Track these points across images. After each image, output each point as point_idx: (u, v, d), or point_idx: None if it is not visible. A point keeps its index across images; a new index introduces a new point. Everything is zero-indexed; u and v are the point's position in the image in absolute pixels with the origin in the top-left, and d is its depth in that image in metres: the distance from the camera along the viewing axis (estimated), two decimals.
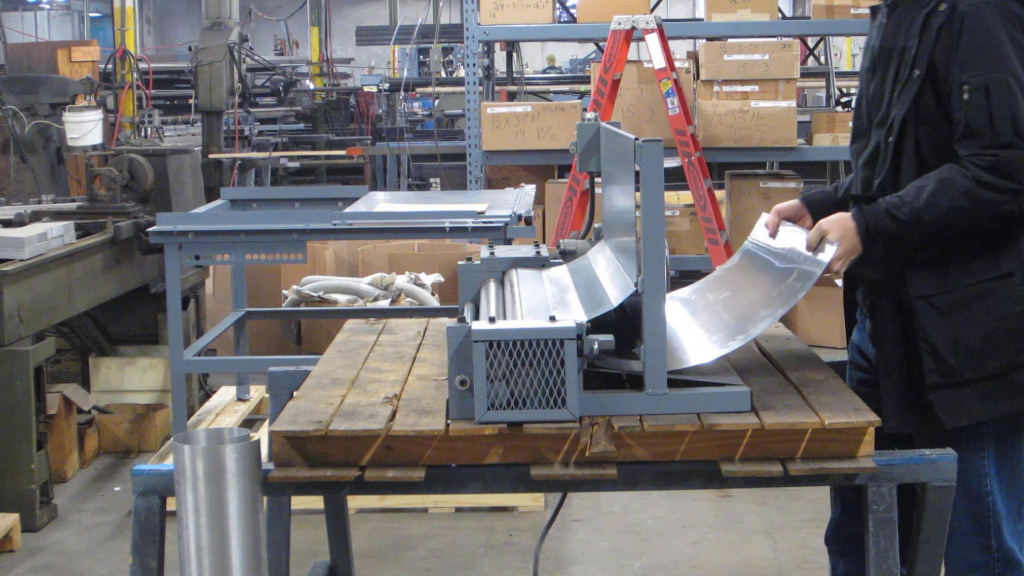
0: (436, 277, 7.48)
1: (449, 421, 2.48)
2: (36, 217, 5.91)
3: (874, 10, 3.05)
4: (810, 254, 2.77)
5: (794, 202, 3.05)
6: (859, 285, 3.07)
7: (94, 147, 7.52)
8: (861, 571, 3.11)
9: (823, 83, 12.20)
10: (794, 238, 2.88)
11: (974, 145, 2.74)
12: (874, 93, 2.95)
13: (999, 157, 2.71)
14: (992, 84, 2.72)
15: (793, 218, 3.01)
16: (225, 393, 6.56)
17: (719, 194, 8.20)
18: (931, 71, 2.80)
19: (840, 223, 2.79)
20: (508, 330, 2.41)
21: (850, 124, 3.09)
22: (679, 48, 11.95)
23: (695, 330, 2.80)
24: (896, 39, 2.88)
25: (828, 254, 2.74)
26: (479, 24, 8.51)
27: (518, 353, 2.40)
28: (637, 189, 2.52)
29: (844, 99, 11.82)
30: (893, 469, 2.48)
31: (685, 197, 8.26)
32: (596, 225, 3.16)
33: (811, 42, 11.83)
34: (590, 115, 3.27)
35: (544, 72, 20.40)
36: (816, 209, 3.01)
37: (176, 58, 20.02)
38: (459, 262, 3.03)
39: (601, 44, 8.70)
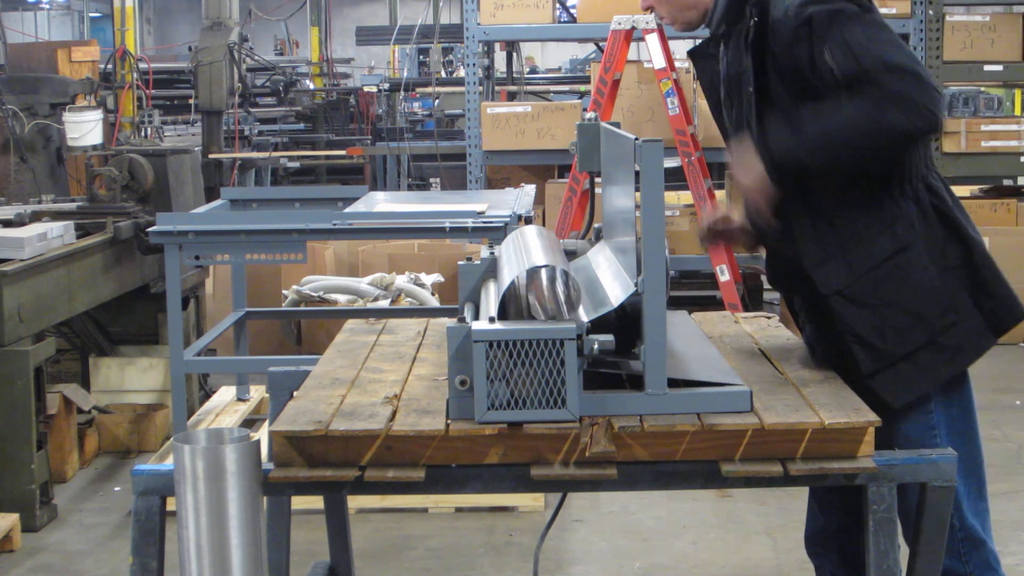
0: (436, 277, 7.48)
1: (449, 421, 2.48)
2: (36, 217, 5.90)
3: (693, 55, 3.11)
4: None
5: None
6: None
7: (94, 147, 7.52)
8: (843, 571, 3.12)
9: None
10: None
11: None
12: (736, 121, 2.99)
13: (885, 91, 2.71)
14: (848, 35, 2.72)
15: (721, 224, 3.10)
16: (225, 393, 6.56)
17: (719, 194, 8.20)
18: (766, 79, 2.85)
19: (744, 163, 2.81)
20: (508, 330, 2.42)
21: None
22: (679, 48, 11.94)
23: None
24: (736, 65, 2.92)
25: None
26: (479, 24, 8.51)
27: (518, 353, 2.40)
28: (637, 189, 2.52)
29: None
30: (893, 469, 2.48)
31: (685, 197, 8.26)
32: (596, 225, 3.16)
33: None
34: (590, 115, 3.27)
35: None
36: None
37: (176, 58, 20.04)
38: (459, 262, 3.03)
39: (601, 44, 8.70)
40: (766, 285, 8.87)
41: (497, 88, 11.56)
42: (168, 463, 2.47)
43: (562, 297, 2.47)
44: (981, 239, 2.87)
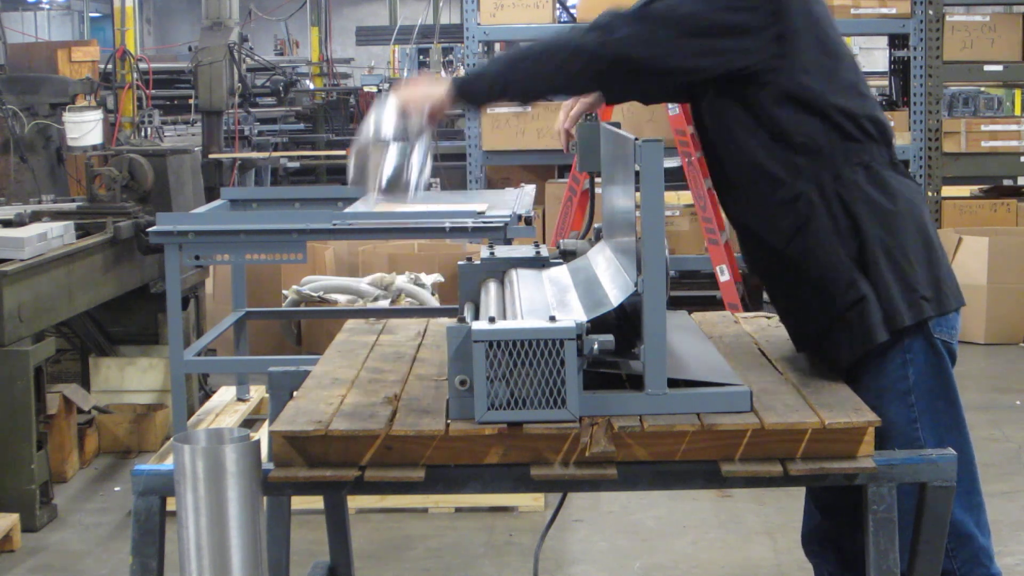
0: (436, 277, 7.48)
1: (449, 421, 2.48)
2: (36, 217, 5.90)
3: None
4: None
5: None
6: None
7: (94, 147, 7.53)
8: (840, 571, 3.12)
9: None
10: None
11: None
12: None
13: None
14: None
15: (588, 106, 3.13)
16: (225, 393, 6.56)
17: None
18: None
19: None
20: (508, 330, 2.41)
21: None
22: None
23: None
24: None
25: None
26: (479, 24, 8.52)
27: (518, 353, 2.40)
28: (637, 189, 2.52)
29: None
30: (893, 469, 2.48)
31: (685, 197, 8.27)
32: (596, 225, 3.16)
33: None
34: (590, 115, 3.27)
35: None
36: None
37: (176, 58, 20.03)
38: (459, 262, 3.03)
39: None
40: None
41: None
42: (168, 463, 2.47)
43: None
44: (881, 237, 2.80)
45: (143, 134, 9.42)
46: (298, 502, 3.81)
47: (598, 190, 3.19)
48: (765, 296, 8.72)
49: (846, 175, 2.81)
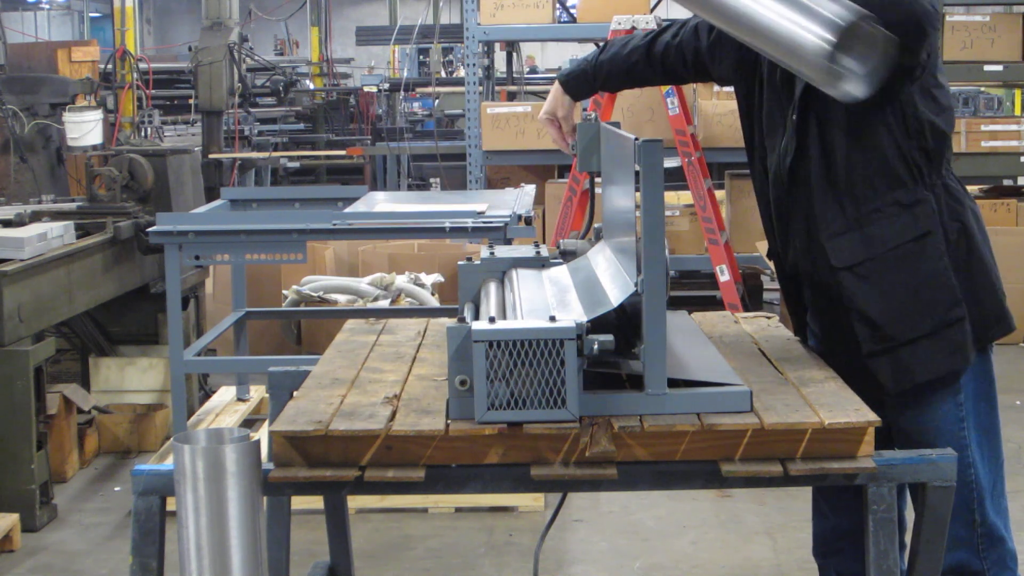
0: (436, 277, 7.48)
1: (449, 421, 2.48)
2: (36, 217, 5.91)
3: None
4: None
5: (564, 99, 3.28)
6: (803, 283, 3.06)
7: (94, 147, 7.53)
8: (849, 572, 3.12)
9: None
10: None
11: None
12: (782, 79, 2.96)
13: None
14: None
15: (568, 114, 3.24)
16: (225, 393, 6.56)
17: (719, 194, 8.20)
18: None
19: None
20: (508, 330, 2.41)
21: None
22: None
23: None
24: None
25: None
26: (479, 24, 8.52)
27: (518, 353, 2.40)
28: (637, 189, 2.52)
29: None
30: (893, 469, 2.48)
31: (685, 197, 8.27)
32: (596, 225, 3.16)
33: None
34: (590, 115, 3.27)
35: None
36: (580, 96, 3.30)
37: (176, 58, 20.04)
38: (459, 262, 3.03)
39: (601, 44, 8.71)
40: (766, 285, 8.87)
41: (497, 88, 11.57)
42: (168, 463, 2.47)
43: None
44: (985, 249, 2.87)
45: (143, 134, 9.41)
46: (298, 502, 3.81)
47: (598, 190, 3.19)
48: (765, 296, 8.73)
49: (951, 185, 2.88)
